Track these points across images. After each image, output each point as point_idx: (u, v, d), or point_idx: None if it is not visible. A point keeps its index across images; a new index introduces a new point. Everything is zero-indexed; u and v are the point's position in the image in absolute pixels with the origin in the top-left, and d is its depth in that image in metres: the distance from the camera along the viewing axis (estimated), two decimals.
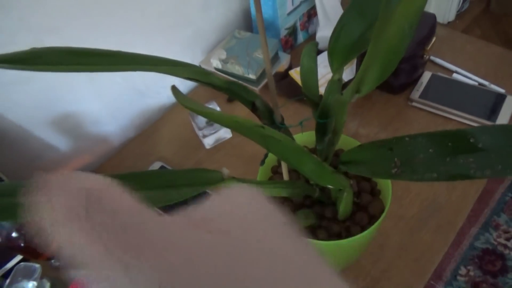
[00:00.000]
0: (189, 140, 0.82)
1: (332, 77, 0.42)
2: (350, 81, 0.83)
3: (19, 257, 0.65)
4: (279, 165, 0.54)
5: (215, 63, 0.82)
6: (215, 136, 0.78)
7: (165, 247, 0.15)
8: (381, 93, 0.82)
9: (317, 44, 0.44)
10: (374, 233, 0.47)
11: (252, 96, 0.42)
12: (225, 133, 0.79)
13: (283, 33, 0.89)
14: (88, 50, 0.37)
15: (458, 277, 1.36)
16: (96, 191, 0.16)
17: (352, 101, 0.38)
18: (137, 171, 0.34)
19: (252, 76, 0.79)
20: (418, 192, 0.67)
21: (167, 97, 0.91)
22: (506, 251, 1.39)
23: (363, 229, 0.48)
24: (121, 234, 0.15)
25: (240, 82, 0.41)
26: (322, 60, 0.73)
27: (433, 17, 0.79)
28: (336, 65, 0.41)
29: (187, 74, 0.38)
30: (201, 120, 0.78)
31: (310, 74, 0.42)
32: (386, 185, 0.48)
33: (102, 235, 0.14)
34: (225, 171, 0.39)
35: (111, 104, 0.81)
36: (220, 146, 0.80)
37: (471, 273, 1.36)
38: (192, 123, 0.80)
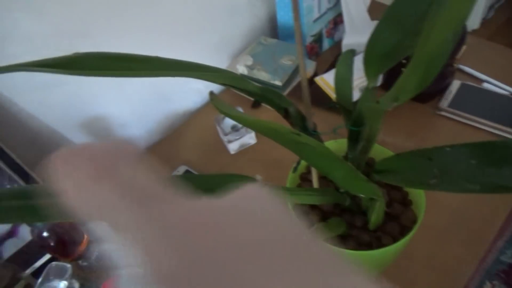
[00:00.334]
0: (213, 145, 0.83)
1: (367, 85, 0.42)
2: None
3: (47, 256, 0.67)
4: (308, 172, 0.54)
5: (241, 69, 0.83)
6: (240, 141, 0.79)
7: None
8: (409, 101, 0.80)
9: (354, 52, 0.44)
10: (405, 244, 0.46)
11: (285, 103, 0.42)
12: (249, 139, 0.79)
13: (309, 40, 0.89)
14: (127, 55, 0.37)
15: None
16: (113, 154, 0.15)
17: (389, 109, 0.37)
18: (169, 175, 0.35)
19: (278, 83, 0.79)
20: (447, 203, 0.66)
21: (193, 102, 0.92)
22: None
23: (394, 239, 0.47)
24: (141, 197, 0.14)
25: (274, 89, 0.41)
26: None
27: (463, 26, 0.78)
28: (372, 73, 0.41)
29: (223, 80, 0.39)
30: (227, 125, 0.79)
31: (345, 82, 0.42)
32: (419, 195, 0.47)
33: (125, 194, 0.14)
34: (259, 177, 0.39)
35: (138, 108, 0.83)
36: (244, 151, 0.80)
37: None
38: (217, 128, 0.81)
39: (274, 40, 0.86)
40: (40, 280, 0.47)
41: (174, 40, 0.81)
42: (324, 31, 0.92)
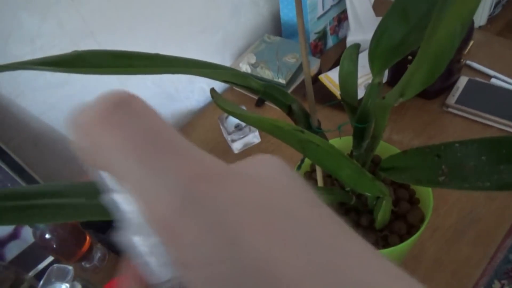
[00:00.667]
0: (217, 145, 0.82)
1: (373, 80, 0.41)
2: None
3: (50, 258, 0.66)
4: (313, 171, 0.53)
5: (244, 67, 0.82)
6: (244, 140, 0.78)
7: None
8: (415, 98, 0.79)
9: (359, 46, 0.43)
10: (412, 244, 0.45)
11: (289, 99, 0.42)
12: (253, 138, 0.79)
13: (313, 37, 0.88)
14: (129, 52, 0.37)
15: None
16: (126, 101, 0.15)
17: (395, 105, 0.36)
18: None
19: (281, 81, 0.78)
20: (455, 202, 0.64)
21: (196, 102, 0.92)
22: None
23: (401, 239, 0.46)
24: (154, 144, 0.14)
25: (277, 86, 0.41)
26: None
27: (470, 20, 0.76)
28: (377, 68, 0.40)
29: (225, 77, 0.38)
30: (230, 124, 0.78)
31: (350, 78, 0.41)
32: (427, 194, 0.46)
33: (136, 141, 0.14)
34: None
35: None
36: (248, 151, 0.79)
37: (506, 287, 1.30)
38: (221, 127, 0.80)
39: (278, 38, 0.85)
40: (41, 283, 0.47)
41: (177, 39, 0.81)
42: (328, 28, 0.91)
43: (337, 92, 0.78)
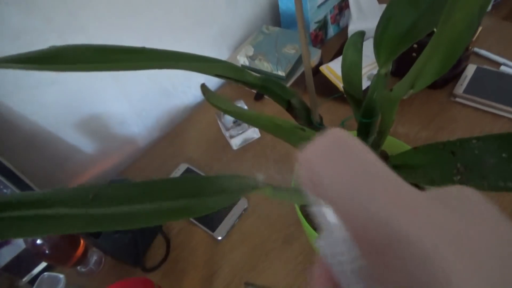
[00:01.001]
0: (215, 141, 0.79)
1: (379, 71, 0.37)
2: None
3: (44, 263, 0.64)
4: None
5: (242, 60, 0.79)
6: (243, 136, 0.75)
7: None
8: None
9: (364, 33, 0.39)
10: None
11: (288, 94, 0.38)
12: (253, 133, 0.76)
13: (313, 27, 0.84)
14: (112, 47, 0.34)
15: None
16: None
17: (405, 97, 0.33)
18: (167, 178, 0.31)
19: (281, 73, 0.75)
20: None
21: (193, 97, 0.89)
22: None
23: None
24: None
25: (275, 80, 0.38)
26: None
27: (489, 2, 0.73)
28: (383, 58, 0.36)
29: (219, 71, 0.35)
30: (228, 120, 0.75)
31: (354, 68, 0.38)
32: None
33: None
34: (260, 177, 0.35)
35: (137, 104, 0.79)
36: (248, 146, 0.77)
37: None
38: (219, 123, 0.77)
39: (277, 28, 0.82)
40: None
41: (171, 32, 0.78)
42: (329, 17, 0.87)
43: (339, 84, 0.75)
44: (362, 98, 0.40)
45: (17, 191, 0.60)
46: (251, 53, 0.78)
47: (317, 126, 0.40)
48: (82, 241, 0.60)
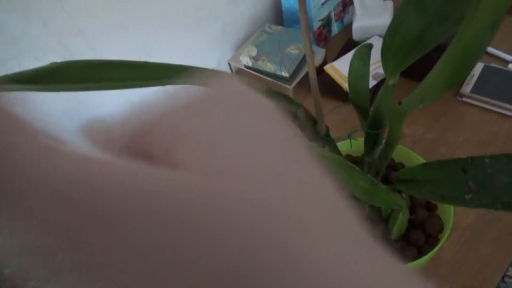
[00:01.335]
0: None
1: (386, 82, 0.36)
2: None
3: None
4: None
5: (245, 60, 0.78)
6: None
7: None
8: None
9: (371, 46, 0.38)
10: (429, 259, 0.41)
11: (293, 105, 0.38)
12: None
13: (316, 25, 0.83)
14: (113, 62, 0.33)
15: (506, 279, 1.27)
16: None
17: (414, 111, 0.32)
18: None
19: (285, 74, 0.74)
20: None
21: None
22: None
23: (419, 250, 0.43)
24: None
25: (279, 92, 0.37)
26: None
27: (503, 19, 0.71)
28: (392, 68, 0.35)
29: None
30: None
31: (361, 79, 0.37)
32: None
33: None
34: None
35: None
36: None
37: None
38: None
39: (280, 27, 0.81)
40: None
41: (171, 33, 0.76)
42: (333, 15, 0.86)
43: (343, 83, 0.74)
44: (369, 106, 0.39)
45: None
46: (254, 53, 0.77)
47: (323, 138, 0.39)
48: None
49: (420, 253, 0.40)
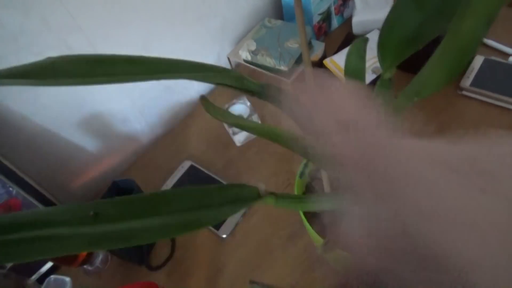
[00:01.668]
0: (219, 137, 0.79)
1: (382, 76, 0.36)
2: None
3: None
4: (318, 170, 0.50)
5: (244, 54, 0.78)
6: (246, 132, 0.74)
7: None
8: None
9: (367, 40, 0.38)
10: None
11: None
12: None
13: (316, 19, 0.83)
14: (109, 57, 0.33)
15: None
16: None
17: (410, 105, 0.32)
18: (166, 190, 0.31)
19: (284, 68, 0.74)
20: None
21: (196, 92, 0.88)
22: None
23: None
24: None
25: (275, 85, 0.37)
26: None
27: (499, 9, 0.70)
28: (388, 62, 0.35)
29: (219, 80, 0.34)
30: None
31: (358, 75, 0.37)
32: None
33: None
34: (262, 186, 0.35)
35: (139, 101, 0.79)
36: (251, 143, 0.76)
37: None
38: None
39: (279, 22, 0.80)
40: None
41: (173, 29, 0.76)
42: (332, 9, 0.85)
43: (343, 78, 0.74)
44: None
45: (20, 191, 0.60)
46: (253, 47, 0.77)
47: None
48: None
49: None
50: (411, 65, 0.71)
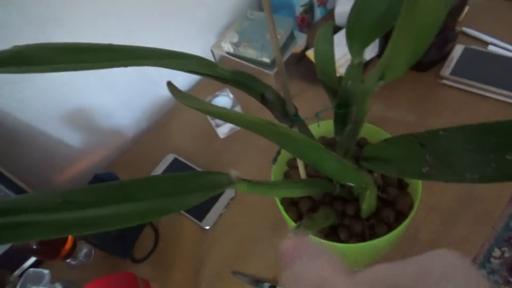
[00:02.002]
0: (203, 130, 0.79)
1: (352, 61, 0.37)
2: (372, 60, 0.76)
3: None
4: (295, 159, 0.50)
5: (227, 47, 0.78)
6: (229, 124, 0.75)
7: None
8: (408, 71, 0.75)
9: (333, 24, 0.38)
10: (402, 232, 0.42)
11: (261, 87, 0.38)
12: None
13: (299, 10, 0.83)
14: (78, 45, 0.33)
15: (492, 259, 1.30)
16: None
17: (376, 89, 0.33)
18: (140, 177, 0.31)
19: (266, 60, 0.74)
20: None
21: (180, 85, 0.87)
22: None
23: (389, 227, 0.43)
24: None
25: (247, 73, 0.37)
26: (341, 38, 0.67)
27: None
28: (357, 47, 0.36)
29: (191, 67, 0.34)
30: None
31: (327, 59, 0.38)
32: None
33: None
34: (234, 173, 0.35)
35: (123, 95, 0.79)
36: (235, 135, 0.76)
37: (506, 255, 1.29)
38: None
39: (261, 14, 0.80)
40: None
41: (156, 22, 0.76)
42: (315, 0, 0.86)
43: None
44: (338, 87, 0.40)
45: (3, 188, 0.60)
46: (235, 40, 0.77)
47: (291, 118, 0.39)
48: (70, 236, 0.60)
49: (390, 230, 0.41)
50: (416, 62, 0.71)
